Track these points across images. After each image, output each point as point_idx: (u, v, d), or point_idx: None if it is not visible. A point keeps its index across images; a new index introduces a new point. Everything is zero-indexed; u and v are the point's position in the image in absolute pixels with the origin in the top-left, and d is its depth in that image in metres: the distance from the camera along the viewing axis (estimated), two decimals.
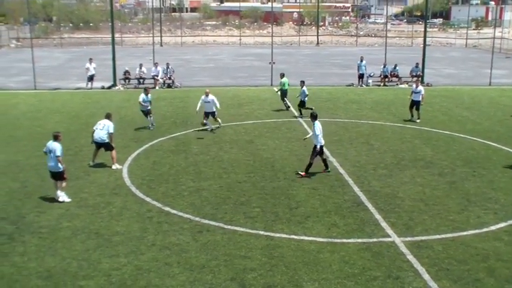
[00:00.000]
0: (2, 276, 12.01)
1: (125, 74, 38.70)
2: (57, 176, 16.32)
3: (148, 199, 16.46)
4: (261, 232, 14.23)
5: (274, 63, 39.63)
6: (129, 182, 17.99)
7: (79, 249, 13.31)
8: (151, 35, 69.06)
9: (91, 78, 37.67)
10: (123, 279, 11.86)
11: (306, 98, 28.36)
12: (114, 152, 19.58)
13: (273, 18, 55.99)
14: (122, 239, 13.80)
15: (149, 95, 25.30)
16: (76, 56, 59.46)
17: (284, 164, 19.85)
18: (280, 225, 14.70)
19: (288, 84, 30.21)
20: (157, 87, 37.19)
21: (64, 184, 16.46)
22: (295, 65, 52.35)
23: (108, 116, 19.95)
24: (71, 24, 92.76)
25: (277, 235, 14.08)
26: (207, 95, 24.59)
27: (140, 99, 25.01)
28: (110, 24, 41.34)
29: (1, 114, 28.83)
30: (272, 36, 47.87)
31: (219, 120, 25.23)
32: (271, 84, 37.52)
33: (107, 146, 19.61)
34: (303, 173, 18.48)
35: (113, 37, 39.89)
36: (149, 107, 25.31)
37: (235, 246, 13.43)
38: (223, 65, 53.39)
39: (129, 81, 38.58)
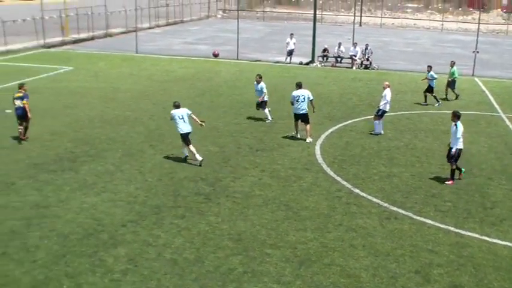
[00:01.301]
0: (199, 233, 12.87)
1: (323, 52, 39.06)
2: (189, 135, 17.37)
3: (338, 178, 16.57)
4: (451, 228, 13.71)
5: (477, 52, 37.58)
6: (320, 159, 18.23)
7: (268, 218, 13.81)
8: (351, 14, 68.69)
9: (290, 53, 38.52)
10: (308, 254, 12.10)
11: (434, 83, 27.17)
12: (308, 125, 19.91)
13: (479, 3, 52.79)
14: (310, 215, 14.07)
15: None
16: (276, 30, 61.09)
17: (481, 160, 18.88)
18: (472, 223, 14.04)
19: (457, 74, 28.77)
20: (354, 68, 37.12)
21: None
22: (500, 55, 49.22)
23: (299, 85, 20.24)
24: None
25: (468, 234, 13.47)
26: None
27: None
28: (313, 0, 41.76)
29: (206, 81, 30.61)
30: (479, 23, 45.39)
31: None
32: (473, 74, 35.61)
33: (305, 118, 19.95)
34: (450, 182, 16.82)
35: (315, 14, 40.34)
36: None
37: (422, 238, 13.10)
38: (423, 50, 51.66)
39: (327, 59, 38.88)
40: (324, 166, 17.60)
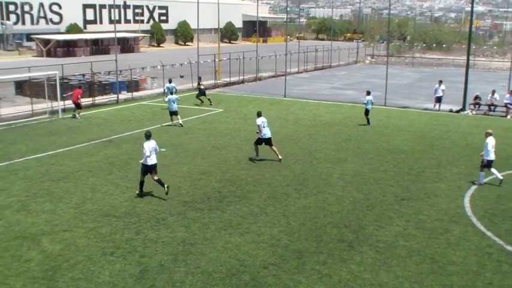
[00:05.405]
0: (340, 281, 12.70)
1: (475, 99, 37.57)
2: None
3: (489, 234, 15.67)
4: None
5: None
6: (470, 212, 17.38)
7: (412, 270, 13.33)
8: (506, 59, 65.78)
9: (439, 100, 37.44)
10: None
11: (368, 107, 30.87)
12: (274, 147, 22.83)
13: None
14: (457, 270, 13.40)
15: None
16: (425, 76, 59.92)
17: None
18: None
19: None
20: (508, 116, 35.29)
21: None
22: None
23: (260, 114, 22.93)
24: (423, 44, 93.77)
25: None
26: None
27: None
28: (464, 46, 40.55)
29: (352, 127, 30.53)
30: None
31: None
32: None
33: (270, 141, 22.86)
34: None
35: (467, 59, 39.13)
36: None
37: None
38: None
39: (479, 107, 37.34)
40: (474, 220, 16.74)
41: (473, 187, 19.87)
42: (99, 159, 22.76)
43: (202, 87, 38.19)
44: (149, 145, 18.04)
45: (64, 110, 33.15)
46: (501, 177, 20.23)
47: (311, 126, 30.61)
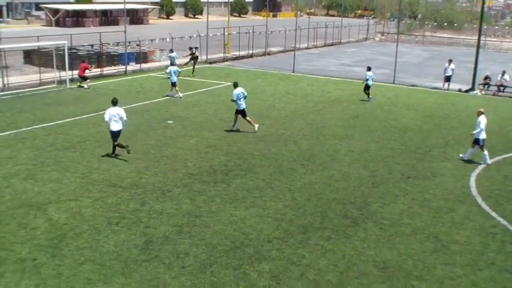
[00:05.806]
0: (343, 257, 12.75)
1: (485, 79, 37.31)
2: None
3: (493, 214, 15.66)
4: None
5: None
6: (475, 192, 17.37)
7: (416, 248, 13.36)
8: None
9: (448, 79, 37.21)
10: None
11: (369, 82, 31.27)
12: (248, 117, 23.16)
13: None
14: (461, 249, 13.42)
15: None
16: (435, 55, 59.49)
17: None
18: None
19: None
20: None
21: None
22: None
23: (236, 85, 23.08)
24: (434, 23, 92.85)
25: None
26: None
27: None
28: (476, 26, 40.09)
29: (360, 103, 30.46)
30: None
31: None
32: None
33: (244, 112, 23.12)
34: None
35: (478, 39, 38.69)
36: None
37: None
38: None
39: (488, 87, 37.09)
40: (479, 200, 16.73)
41: (480, 167, 19.82)
42: (106, 130, 22.70)
43: (196, 54, 39.46)
44: (111, 111, 18.88)
45: (72, 80, 33.13)
46: (463, 157, 20.58)
47: (319, 102, 30.54)
